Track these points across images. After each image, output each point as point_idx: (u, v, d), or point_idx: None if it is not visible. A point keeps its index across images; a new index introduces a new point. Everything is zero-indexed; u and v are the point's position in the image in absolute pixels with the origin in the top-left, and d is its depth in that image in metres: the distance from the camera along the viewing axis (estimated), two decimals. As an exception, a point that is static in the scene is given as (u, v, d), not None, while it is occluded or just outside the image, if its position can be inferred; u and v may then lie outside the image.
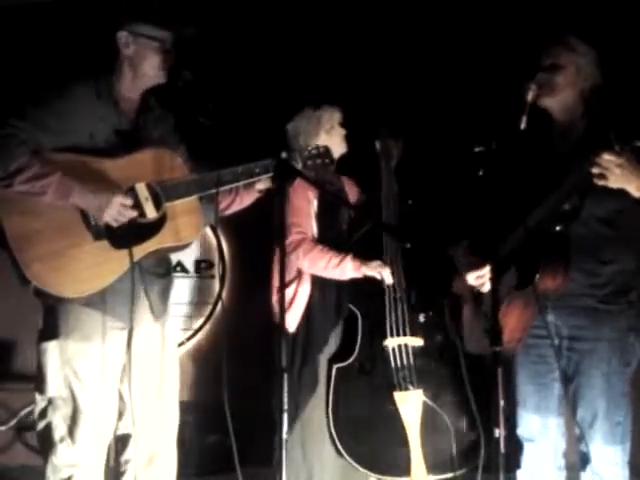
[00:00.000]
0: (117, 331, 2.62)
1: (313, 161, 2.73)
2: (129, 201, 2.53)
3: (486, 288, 2.69)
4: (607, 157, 2.32)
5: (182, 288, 4.37)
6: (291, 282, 3.24)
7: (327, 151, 2.76)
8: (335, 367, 3.22)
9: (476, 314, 2.82)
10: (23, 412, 3.96)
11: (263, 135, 3.54)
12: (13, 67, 4.07)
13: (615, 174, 2.33)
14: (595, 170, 2.35)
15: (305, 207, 3.28)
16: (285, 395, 2.36)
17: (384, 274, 3.18)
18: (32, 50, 4.10)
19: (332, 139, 3.34)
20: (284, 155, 2.65)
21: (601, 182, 2.36)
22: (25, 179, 2.48)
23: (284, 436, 2.35)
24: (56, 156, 2.55)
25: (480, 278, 2.71)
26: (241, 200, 2.89)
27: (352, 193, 3.48)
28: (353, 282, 3.23)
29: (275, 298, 3.26)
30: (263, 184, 2.82)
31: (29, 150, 2.50)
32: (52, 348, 2.60)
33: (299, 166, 2.70)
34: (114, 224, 2.53)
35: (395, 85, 3.47)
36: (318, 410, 3.21)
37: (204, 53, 3.24)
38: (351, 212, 3.37)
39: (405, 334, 3.20)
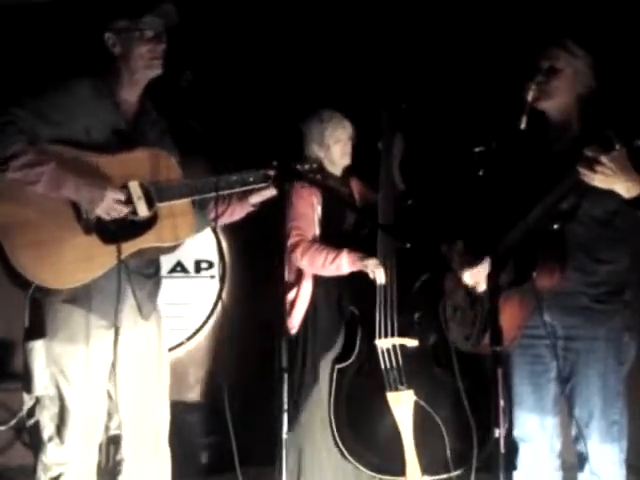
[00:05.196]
0: (103, 330, 2.61)
1: (306, 177, 2.80)
2: (122, 197, 2.54)
3: (481, 288, 2.69)
4: (590, 154, 2.31)
5: (182, 288, 4.37)
6: (293, 284, 3.25)
7: (320, 167, 2.89)
8: (336, 368, 3.23)
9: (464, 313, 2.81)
10: (23, 412, 3.96)
11: (257, 142, 3.56)
12: (15, 63, 4.07)
13: (599, 174, 2.33)
14: (581, 168, 2.35)
15: (309, 213, 3.29)
16: (285, 395, 2.37)
17: (377, 274, 3.18)
18: (35, 48, 4.10)
19: (338, 151, 3.37)
20: (275, 164, 2.68)
21: (586, 180, 2.36)
22: (19, 165, 2.46)
23: (284, 436, 2.36)
24: (51, 147, 2.53)
25: (476, 276, 2.70)
26: (232, 212, 2.85)
27: (362, 194, 3.47)
28: (354, 283, 3.23)
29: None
30: (258, 198, 2.82)
31: (26, 138, 2.49)
32: (38, 347, 2.60)
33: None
34: (106, 217, 2.52)
35: (395, 85, 3.47)
36: (317, 411, 3.21)
37: (202, 56, 3.24)
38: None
39: (393, 335, 3.19)
